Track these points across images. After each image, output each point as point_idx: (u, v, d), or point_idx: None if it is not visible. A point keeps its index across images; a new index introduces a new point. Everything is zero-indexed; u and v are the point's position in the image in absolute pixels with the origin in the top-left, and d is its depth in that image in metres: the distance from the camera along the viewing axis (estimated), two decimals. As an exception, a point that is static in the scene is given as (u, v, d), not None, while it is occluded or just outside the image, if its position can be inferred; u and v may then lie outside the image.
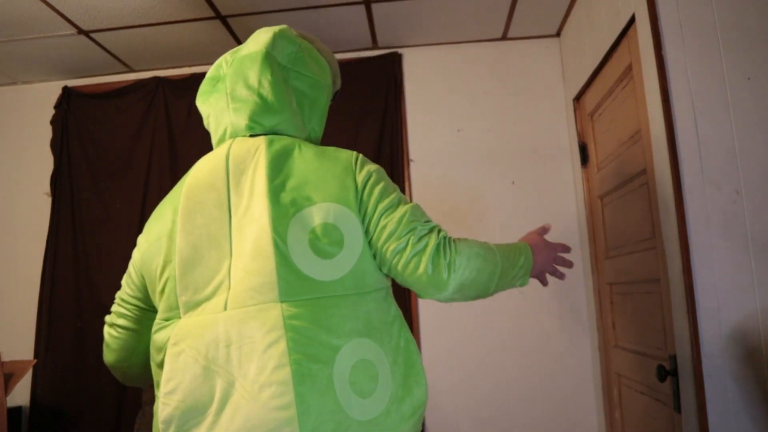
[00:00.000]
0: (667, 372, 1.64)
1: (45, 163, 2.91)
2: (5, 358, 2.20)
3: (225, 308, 1.06)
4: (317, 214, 1.10)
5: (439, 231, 1.15)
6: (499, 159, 2.75)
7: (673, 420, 1.69)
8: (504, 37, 2.83)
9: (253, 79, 1.20)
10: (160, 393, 1.06)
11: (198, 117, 2.81)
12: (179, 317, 1.10)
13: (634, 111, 1.89)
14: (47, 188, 2.90)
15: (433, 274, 1.09)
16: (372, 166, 1.19)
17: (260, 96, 1.20)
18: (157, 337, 1.14)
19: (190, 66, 2.96)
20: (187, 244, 1.13)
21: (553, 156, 2.73)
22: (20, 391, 2.65)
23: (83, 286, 2.75)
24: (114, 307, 1.33)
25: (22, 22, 2.42)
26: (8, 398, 2.14)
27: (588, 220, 2.51)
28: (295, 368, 0.99)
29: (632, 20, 1.82)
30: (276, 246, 1.06)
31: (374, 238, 1.13)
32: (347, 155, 1.19)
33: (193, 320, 1.08)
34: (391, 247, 1.11)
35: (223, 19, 2.52)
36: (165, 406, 1.03)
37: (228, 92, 1.21)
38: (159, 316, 1.16)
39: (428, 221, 1.16)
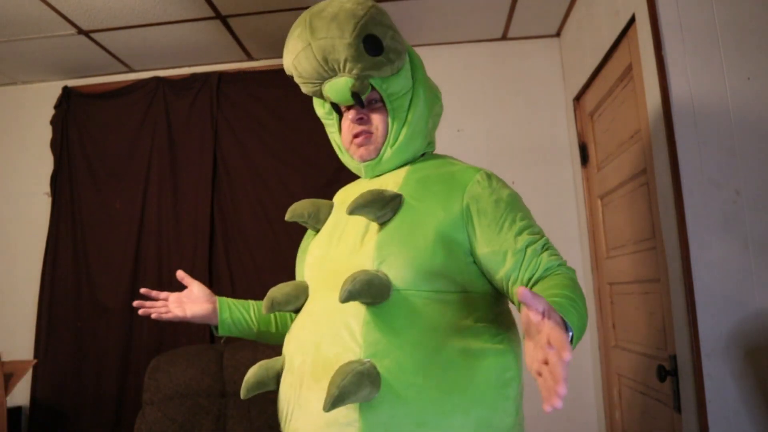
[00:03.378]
0: (667, 372, 1.64)
1: (45, 163, 2.91)
2: (5, 358, 2.21)
3: None
4: None
5: None
6: (499, 159, 2.75)
7: (673, 420, 1.69)
8: (504, 37, 2.83)
9: None
10: None
11: (198, 117, 2.87)
12: None
13: (634, 111, 1.89)
14: (47, 188, 2.90)
15: None
16: None
17: None
18: None
19: (190, 66, 2.95)
20: None
21: (553, 156, 2.73)
22: (20, 391, 2.65)
23: (83, 286, 2.75)
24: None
25: (22, 22, 2.42)
26: (8, 398, 2.14)
27: (588, 220, 2.51)
28: None
29: (632, 20, 1.82)
30: None
31: None
32: None
33: None
34: None
35: (223, 19, 2.52)
36: None
37: None
38: None
39: None
